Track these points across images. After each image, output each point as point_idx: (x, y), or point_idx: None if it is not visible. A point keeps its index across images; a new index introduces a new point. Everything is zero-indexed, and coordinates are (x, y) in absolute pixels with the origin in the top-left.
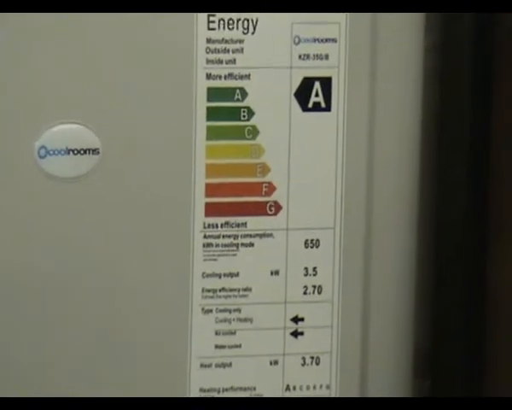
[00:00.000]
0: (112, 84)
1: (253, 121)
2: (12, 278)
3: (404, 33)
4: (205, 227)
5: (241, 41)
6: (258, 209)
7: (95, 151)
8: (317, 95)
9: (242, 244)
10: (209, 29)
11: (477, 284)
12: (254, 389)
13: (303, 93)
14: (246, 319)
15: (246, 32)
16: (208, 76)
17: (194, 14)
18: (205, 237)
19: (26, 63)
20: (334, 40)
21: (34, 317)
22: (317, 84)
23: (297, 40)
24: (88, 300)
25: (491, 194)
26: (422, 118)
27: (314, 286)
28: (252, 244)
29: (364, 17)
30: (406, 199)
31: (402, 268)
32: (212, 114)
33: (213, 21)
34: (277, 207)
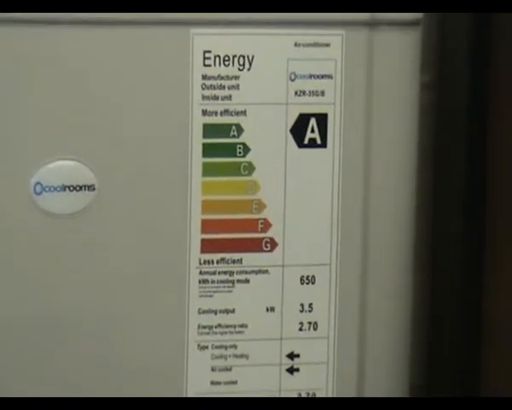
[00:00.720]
0: (107, 121)
1: (248, 157)
2: (8, 314)
3: (400, 70)
4: (201, 263)
5: (236, 77)
6: (254, 246)
7: (90, 188)
8: (312, 131)
9: (238, 281)
10: (205, 65)
11: (472, 314)
12: None
13: (299, 129)
14: (242, 356)
15: (241, 68)
16: (204, 112)
17: (190, 50)
18: (201, 273)
19: (22, 100)
20: (330, 76)
21: (30, 353)
22: (312, 121)
23: (293, 76)
24: (84, 336)
25: (487, 228)
26: (418, 154)
27: (310, 322)
28: (247, 281)
29: (360, 54)
30: (402, 235)
31: (398, 305)
32: (208, 150)
33: (209, 58)
34: (273, 244)
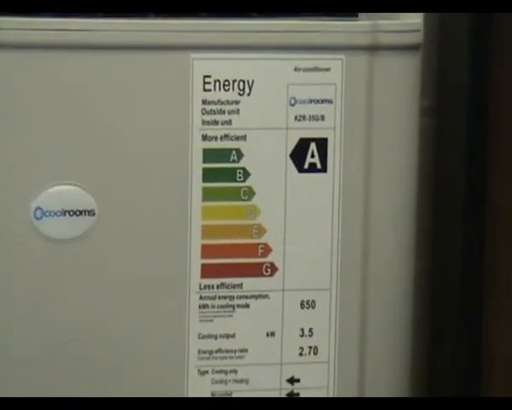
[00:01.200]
0: (107, 146)
1: (248, 182)
2: (10, 339)
3: (400, 95)
4: (201, 288)
5: (236, 102)
6: (254, 270)
7: (90, 212)
8: (312, 156)
9: (238, 305)
10: (205, 90)
11: (472, 343)
12: None
13: (299, 154)
14: (242, 381)
15: (242, 93)
16: (204, 137)
17: (190, 74)
18: (201, 298)
19: (22, 125)
20: (330, 101)
21: (32, 378)
22: (312, 145)
23: (293, 101)
24: (85, 360)
25: (486, 256)
26: (418, 179)
27: (310, 347)
28: (248, 305)
29: (361, 78)
30: (402, 260)
31: (398, 329)
32: (207, 175)
33: (209, 82)
34: (273, 269)
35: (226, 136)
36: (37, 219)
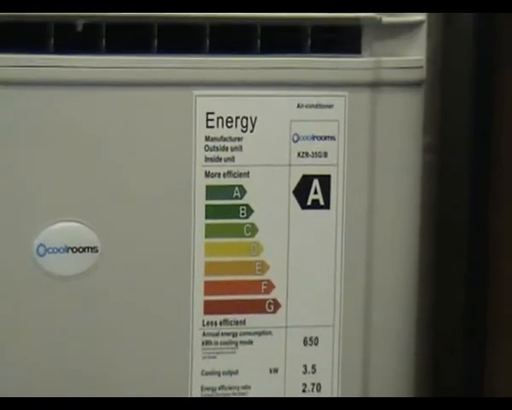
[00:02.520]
0: (110, 183)
1: (251, 219)
2: (12, 374)
3: (402, 132)
4: (204, 325)
5: (239, 139)
6: (257, 307)
7: (93, 249)
8: (315, 192)
9: (241, 342)
10: (207, 127)
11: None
12: None
13: (302, 191)
14: None
15: (245, 129)
16: (207, 174)
17: (193, 111)
18: (204, 334)
19: (24, 162)
20: (333, 138)
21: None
22: (315, 182)
23: (296, 138)
24: (86, 392)
25: (489, 288)
26: (421, 216)
27: (313, 384)
28: (251, 342)
29: (363, 115)
30: (405, 300)
31: (401, 367)
32: (210, 211)
33: (212, 119)
34: (276, 305)
35: (229, 172)
36: (40, 255)
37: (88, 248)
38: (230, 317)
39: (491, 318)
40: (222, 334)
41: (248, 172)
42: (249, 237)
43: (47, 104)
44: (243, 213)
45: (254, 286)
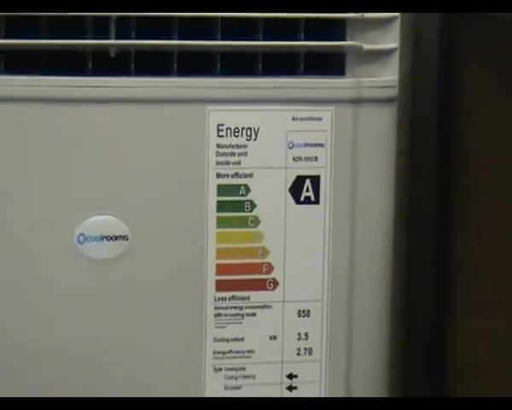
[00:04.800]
0: (137, 183)
1: (254, 212)
2: (56, 341)
3: (379, 139)
4: (215, 300)
5: (245, 146)
6: (260, 285)
7: (124, 238)
8: (307, 190)
9: (246, 314)
10: (218, 136)
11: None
12: None
13: (296, 189)
14: (249, 376)
15: (249, 138)
16: (218, 175)
17: (207, 123)
18: (215, 308)
19: (68, 167)
20: (321, 145)
21: (65, 385)
22: (307, 182)
23: (291, 145)
24: (120, 358)
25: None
26: (395, 209)
27: (306, 349)
28: (254, 314)
29: (347, 126)
30: (381, 277)
31: (378, 334)
32: (221, 206)
33: (222, 130)
34: (275, 284)
35: (236, 174)
36: (80, 243)
37: (119, 236)
38: (237, 293)
39: (454, 295)
40: (230, 308)
41: (252, 174)
42: (253, 227)
43: (85, 118)
44: (248, 208)
45: (257, 268)
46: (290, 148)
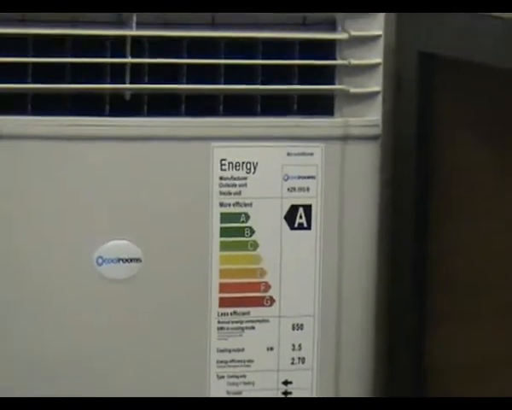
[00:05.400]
0: (149, 211)
1: (254, 237)
2: (77, 347)
3: (364, 172)
4: (219, 315)
5: (245, 178)
6: (258, 302)
7: (138, 260)
8: (301, 217)
9: (246, 328)
10: (221, 169)
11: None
12: None
13: (290, 216)
14: (249, 383)
15: (248, 171)
16: (221, 204)
17: (211, 158)
18: (219, 322)
19: (90, 199)
20: (313, 177)
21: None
22: (300, 210)
23: (286, 177)
24: (133, 366)
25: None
26: (378, 235)
27: (299, 358)
28: (253, 327)
29: (335, 160)
30: (366, 292)
31: (364, 345)
32: (223, 232)
33: (224, 164)
34: (272, 301)
35: (237, 203)
36: (99, 265)
37: (133, 259)
38: (238, 309)
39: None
40: (232, 322)
41: (251, 203)
42: (252, 250)
43: (104, 153)
44: (247, 233)
45: (256, 287)
46: (285, 180)
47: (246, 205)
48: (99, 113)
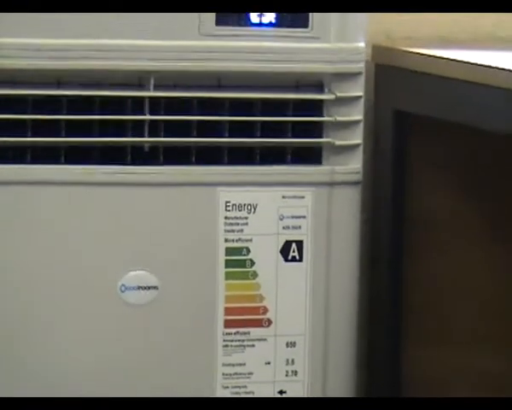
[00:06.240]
0: (165, 247)
1: (254, 268)
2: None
3: (348, 212)
4: (224, 335)
5: (246, 218)
6: (257, 323)
7: (155, 288)
8: (293, 251)
9: (247, 345)
10: (226, 210)
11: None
12: None
13: (285, 250)
14: (250, 392)
15: (249, 212)
16: (226, 240)
17: (217, 201)
18: (224, 341)
19: (116, 236)
20: (304, 217)
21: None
22: (293, 245)
23: (281, 217)
24: (148, 380)
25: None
26: (360, 265)
27: (292, 371)
28: (253, 345)
29: (324, 203)
30: (350, 315)
31: (348, 361)
32: (228, 263)
33: (229, 205)
34: (269, 322)
35: (240, 239)
36: (122, 292)
37: (151, 287)
38: (241, 330)
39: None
40: (235, 340)
41: (252, 239)
42: (252, 279)
43: (126, 197)
44: (248, 264)
45: (255, 310)
46: (281, 219)
47: (247, 241)
48: (122, 162)
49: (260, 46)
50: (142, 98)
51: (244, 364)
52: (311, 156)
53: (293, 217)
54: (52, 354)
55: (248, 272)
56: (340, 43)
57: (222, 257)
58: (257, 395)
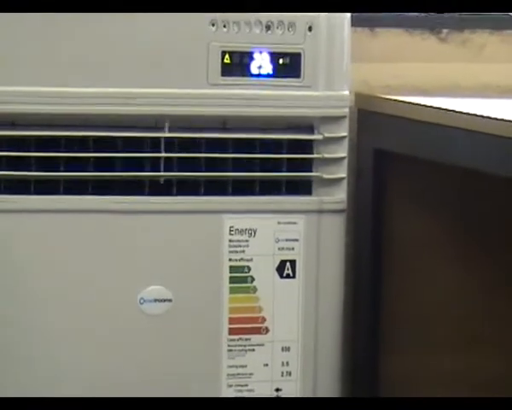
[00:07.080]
0: (178, 265)
1: (254, 283)
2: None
3: (333, 236)
4: (228, 341)
5: (247, 241)
6: (257, 331)
7: (169, 300)
8: (288, 269)
9: (248, 350)
10: (230, 234)
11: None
12: None
13: (280, 268)
14: (251, 390)
15: (250, 236)
16: (230, 259)
17: (223, 226)
18: (228, 346)
19: (136, 256)
20: (297, 240)
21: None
22: (288, 264)
23: (277, 240)
24: (162, 380)
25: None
26: (345, 284)
27: (287, 372)
28: (254, 350)
29: (314, 228)
30: (336, 324)
31: (335, 363)
32: (232, 280)
33: (232, 230)
34: (267, 330)
35: (242, 258)
36: (141, 304)
37: (166, 299)
38: (243, 336)
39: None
40: (238, 346)
41: (252, 259)
42: (252, 293)
43: (145, 224)
44: (249, 281)
45: (255, 320)
46: (276, 242)
47: (248, 260)
48: (141, 193)
49: (259, 94)
50: (158, 138)
51: (246, 366)
52: (302, 188)
53: (287, 240)
54: (80, 360)
55: (249, 287)
56: (327, 92)
57: (226, 274)
58: (257, 392)
